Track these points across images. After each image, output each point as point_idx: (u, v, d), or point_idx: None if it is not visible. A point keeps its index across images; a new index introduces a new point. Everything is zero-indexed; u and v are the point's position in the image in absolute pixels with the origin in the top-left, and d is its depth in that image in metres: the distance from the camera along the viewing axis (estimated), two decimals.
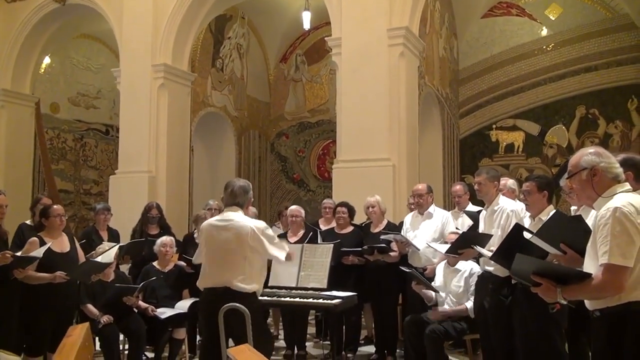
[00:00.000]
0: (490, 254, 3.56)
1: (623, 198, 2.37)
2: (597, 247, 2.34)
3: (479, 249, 3.98)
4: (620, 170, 2.50)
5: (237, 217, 3.69)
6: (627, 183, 2.51)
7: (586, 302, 2.47)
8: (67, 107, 12.07)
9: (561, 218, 2.76)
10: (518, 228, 3.28)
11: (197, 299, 4.06)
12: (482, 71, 10.99)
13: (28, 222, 4.90)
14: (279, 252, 3.73)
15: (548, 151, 10.45)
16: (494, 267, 4.07)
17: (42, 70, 11.47)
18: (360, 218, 6.04)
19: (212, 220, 3.81)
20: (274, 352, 5.98)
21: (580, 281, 2.37)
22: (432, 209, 5.38)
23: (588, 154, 2.52)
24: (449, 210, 5.78)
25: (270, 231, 3.76)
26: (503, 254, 3.43)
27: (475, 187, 4.32)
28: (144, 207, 6.34)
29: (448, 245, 4.53)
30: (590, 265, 2.41)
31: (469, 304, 4.63)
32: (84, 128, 12.42)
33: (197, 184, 9.97)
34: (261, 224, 3.74)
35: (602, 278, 2.30)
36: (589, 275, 2.36)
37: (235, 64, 11.26)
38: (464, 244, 4.23)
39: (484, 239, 4.11)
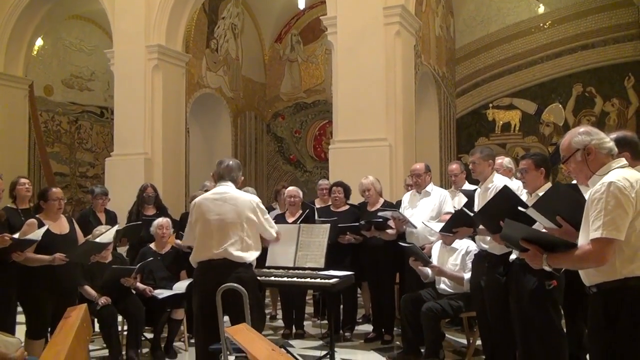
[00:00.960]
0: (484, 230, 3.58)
1: (618, 173, 2.38)
2: (589, 221, 2.35)
3: (466, 210, 4.00)
4: (612, 143, 2.50)
5: (232, 191, 3.79)
6: (623, 158, 2.51)
7: (583, 278, 2.49)
8: (61, 89, 11.98)
9: (559, 189, 2.76)
10: (506, 190, 3.29)
11: (192, 280, 4.08)
12: (479, 50, 10.93)
13: (10, 205, 4.85)
14: (270, 228, 3.88)
15: (545, 130, 10.45)
16: (490, 245, 4.09)
17: (35, 53, 11.35)
18: (356, 199, 6.04)
19: (207, 194, 3.84)
20: (272, 332, 6.04)
21: (566, 250, 2.42)
22: (430, 187, 5.37)
23: (577, 135, 2.52)
24: (445, 190, 5.78)
25: (263, 206, 3.90)
26: (488, 216, 3.46)
27: (470, 166, 4.32)
28: (139, 188, 6.33)
29: (443, 224, 4.55)
30: (582, 238, 2.43)
31: (467, 276, 4.65)
32: (79, 110, 12.34)
33: (193, 165, 9.95)
34: (256, 197, 3.91)
35: (587, 249, 2.33)
36: (574, 245, 2.41)
37: (229, 44, 11.16)
38: (458, 222, 4.23)
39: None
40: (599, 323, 2.37)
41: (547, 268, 2.54)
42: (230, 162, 3.91)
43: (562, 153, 2.60)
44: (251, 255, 3.73)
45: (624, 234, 2.28)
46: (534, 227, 2.79)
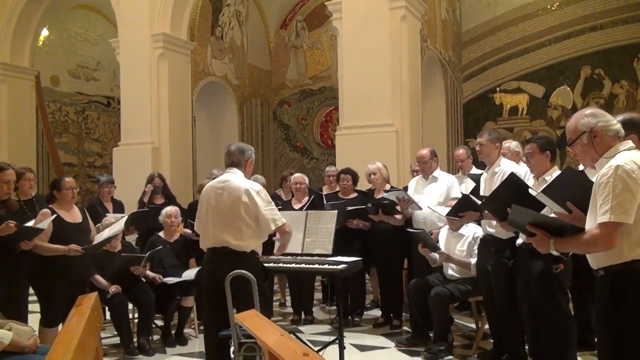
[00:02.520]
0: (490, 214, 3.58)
1: (625, 156, 2.36)
2: (596, 205, 2.34)
3: (472, 197, 3.99)
4: (618, 126, 2.48)
5: (234, 178, 3.67)
6: (630, 141, 2.49)
7: (590, 261, 2.49)
8: (67, 79, 12.00)
9: (570, 174, 2.74)
10: (513, 178, 3.28)
11: (200, 268, 4.09)
12: (486, 33, 10.82)
13: (12, 197, 4.82)
14: (271, 217, 3.62)
15: (552, 113, 10.36)
16: (496, 230, 4.08)
17: (41, 43, 11.36)
18: (363, 184, 6.04)
19: (213, 182, 3.81)
20: (281, 318, 6.08)
21: (574, 234, 2.42)
22: (437, 173, 5.36)
23: (584, 117, 2.50)
24: (453, 175, 5.77)
25: (265, 194, 3.68)
26: (495, 204, 3.45)
27: (477, 148, 4.30)
28: (147, 178, 6.36)
29: (449, 209, 4.54)
30: (590, 222, 2.42)
31: (473, 260, 4.66)
32: (85, 100, 12.38)
33: (200, 154, 9.97)
34: (257, 185, 3.70)
35: (595, 233, 2.32)
36: (582, 229, 2.40)
37: (234, 31, 11.11)
38: (465, 207, 4.23)
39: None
40: (606, 305, 2.37)
41: (554, 252, 2.54)
42: (232, 147, 3.80)
43: (568, 135, 2.58)
44: (250, 244, 3.63)
45: (632, 217, 2.27)
46: (542, 212, 2.79)
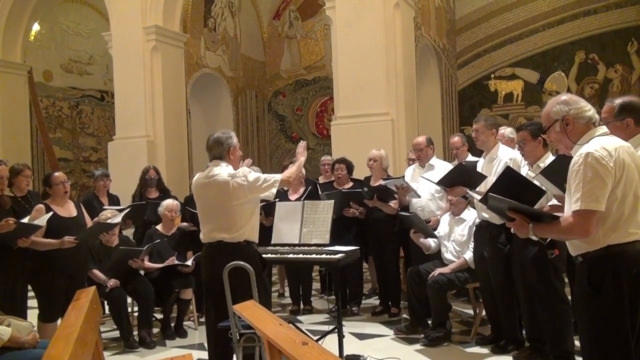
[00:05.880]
0: (479, 196, 3.57)
1: (597, 142, 2.35)
2: (571, 193, 2.35)
3: (469, 192, 3.99)
4: (592, 112, 2.47)
5: (217, 171, 3.61)
6: (604, 127, 2.48)
7: (569, 248, 2.51)
8: (60, 74, 11.92)
9: (564, 159, 2.75)
10: (509, 172, 3.30)
11: (199, 253, 4.08)
12: (479, 19, 10.79)
13: (6, 193, 4.78)
14: (267, 188, 3.60)
15: (547, 99, 10.22)
16: (490, 215, 4.09)
17: (32, 38, 11.26)
18: (359, 173, 6.04)
19: (199, 178, 3.75)
20: (280, 309, 6.10)
21: (551, 221, 2.43)
22: (434, 160, 5.36)
23: (556, 105, 2.50)
24: (448, 162, 5.77)
25: (252, 175, 3.60)
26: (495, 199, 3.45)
27: (473, 134, 4.30)
28: (142, 171, 6.34)
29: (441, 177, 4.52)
30: (567, 209, 2.44)
31: (468, 255, 4.68)
32: (79, 95, 12.30)
33: (195, 146, 9.93)
34: (239, 171, 3.60)
35: (570, 221, 2.33)
36: (557, 217, 2.42)
37: (227, 22, 11.04)
38: (457, 178, 4.22)
39: (479, 178, 4.11)
40: (585, 291, 2.38)
41: (533, 237, 2.57)
42: (209, 142, 3.69)
43: (543, 123, 2.59)
44: (243, 236, 3.59)
45: (603, 204, 2.28)
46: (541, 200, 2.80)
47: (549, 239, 3.47)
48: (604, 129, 2.46)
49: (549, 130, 2.53)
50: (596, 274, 2.34)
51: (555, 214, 2.52)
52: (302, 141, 4.13)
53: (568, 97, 2.52)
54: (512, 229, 2.64)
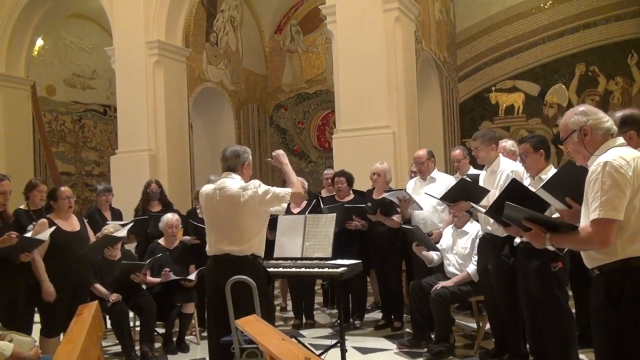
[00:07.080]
0: (484, 209, 3.56)
1: (614, 152, 2.34)
2: (589, 203, 2.32)
3: (474, 205, 3.98)
4: (610, 123, 2.45)
5: (229, 183, 3.61)
6: (621, 138, 2.47)
7: (585, 261, 2.47)
8: (63, 89, 12.00)
9: (569, 168, 2.73)
10: (515, 184, 3.30)
11: (203, 267, 4.07)
12: (480, 33, 10.85)
13: (22, 207, 4.82)
14: (278, 203, 3.59)
15: (548, 111, 10.39)
16: (493, 227, 4.08)
17: (36, 53, 11.36)
18: (361, 185, 6.04)
19: (208, 189, 3.73)
20: (283, 323, 6.07)
21: (569, 231, 2.40)
22: (435, 173, 5.37)
23: (574, 115, 2.48)
24: (450, 175, 5.77)
25: (262, 187, 3.57)
26: (498, 210, 3.44)
27: (473, 152, 4.31)
28: (144, 185, 6.35)
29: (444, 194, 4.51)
30: (584, 219, 2.40)
31: (470, 269, 4.66)
32: (82, 109, 12.38)
33: (197, 160, 9.97)
34: (251, 184, 3.58)
35: (589, 231, 2.30)
36: (576, 227, 2.38)
37: (229, 37, 11.12)
38: (460, 193, 4.21)
39: (482, 192, 4.10)
40: (602, 305, 2.33)
41: (550, 247, 2.52)
42: (227, 152, 3.71)
43: (560, 133, 2.56)
44: (251, 250, 3.57)
45: (622, 213, 2.25)
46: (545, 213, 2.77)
47: (565, 249, 3.43)
48: (621, 140, 2.44)
49: (567, 141, 2.51)
50: (614, 288, 2.29)
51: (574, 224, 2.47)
52: (274, 152, 3.95)
53: (586, 107, 2.50)
54: (526, 239, 2.58)
